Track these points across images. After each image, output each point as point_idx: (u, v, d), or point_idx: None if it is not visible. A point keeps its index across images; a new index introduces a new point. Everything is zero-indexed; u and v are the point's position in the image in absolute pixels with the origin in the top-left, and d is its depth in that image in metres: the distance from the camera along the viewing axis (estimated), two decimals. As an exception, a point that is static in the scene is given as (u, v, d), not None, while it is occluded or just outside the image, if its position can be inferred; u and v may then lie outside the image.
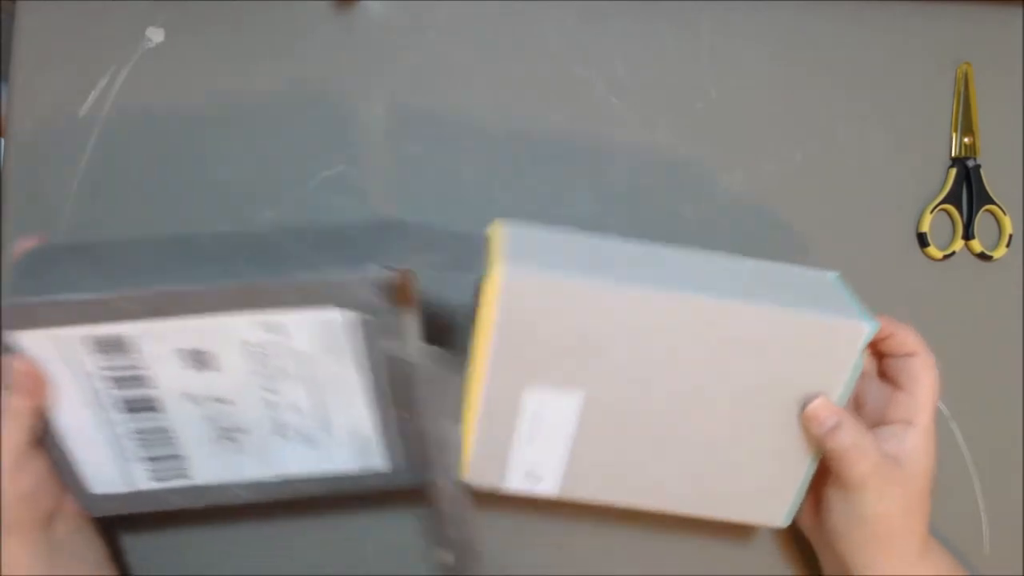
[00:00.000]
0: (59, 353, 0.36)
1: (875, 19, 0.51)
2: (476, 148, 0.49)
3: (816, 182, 0.50)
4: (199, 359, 0.37)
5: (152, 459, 0.39)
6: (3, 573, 0.39)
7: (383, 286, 0.35)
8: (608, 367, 0.37)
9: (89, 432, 0.38)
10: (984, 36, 0.52)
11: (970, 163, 0.51)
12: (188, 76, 0.47)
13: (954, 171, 0.51)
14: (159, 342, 0.36)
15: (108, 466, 0.39)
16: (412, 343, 0.37)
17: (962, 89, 0.52)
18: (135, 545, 0.46)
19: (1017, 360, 0.52)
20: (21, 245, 0.39)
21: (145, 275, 0.37)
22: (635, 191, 0.49)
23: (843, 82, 0.51)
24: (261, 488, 0.41)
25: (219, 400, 0.38)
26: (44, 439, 0.38)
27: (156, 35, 0.47)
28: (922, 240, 0.51)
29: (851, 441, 0.39)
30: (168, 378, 0.37)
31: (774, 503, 0.41)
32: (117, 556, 0.45)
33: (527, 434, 0.38)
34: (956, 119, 0.52)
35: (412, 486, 0.41)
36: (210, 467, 0.40)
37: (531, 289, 0.35)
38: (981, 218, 0.51)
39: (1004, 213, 0.51)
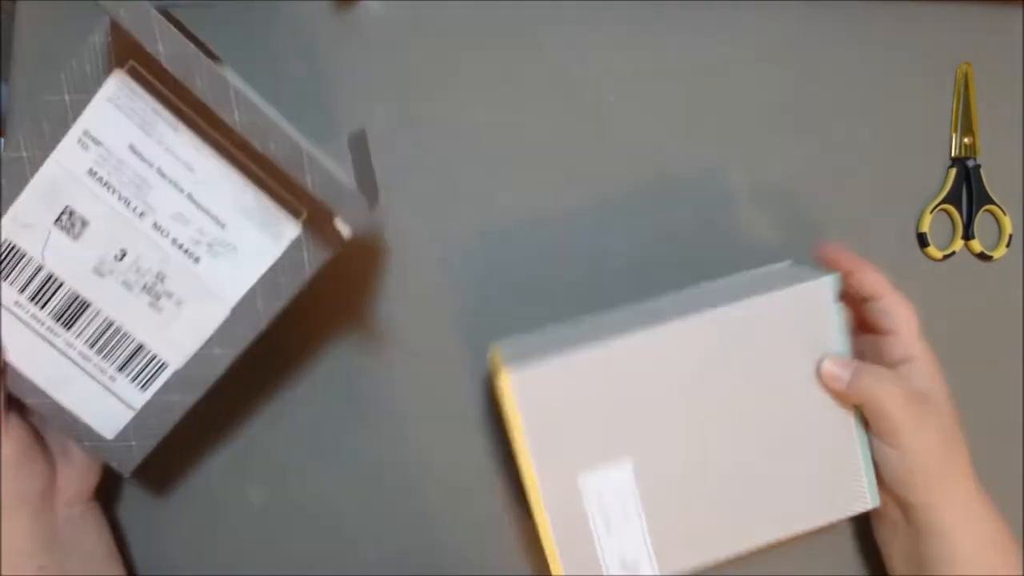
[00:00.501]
0: None
1: (875, 19, 0.51)
2: (476, 148, 0.49)
3: (816, 182, 0.50)
4: (71, 223, 0.37)
5: (123, 367, 0.39)
6: (4, 550, 0.38)
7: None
8: (638, 425, 0.39)
9: (57, 372, 0.38)
10: (984, 36, 0.52)
11: (970, 163, 0.51)
12: (188, 76, 0.47)
13: (954, 171, 0.51)
14: (32, 228, 0.36)
15: (99, 400, 0.39)
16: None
17: (962, 89, 0.52)
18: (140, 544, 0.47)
19: (1017, 360, 0.52)
20: None
21: None
22: (635, 191, 0.49)
23: (843, 82, 0.51)
24: (230, 334, 0.39)
25: (116, 257, 0.37)
26: (36, 413, 0.39)
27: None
28: (922, 240, 0.51)
29: (872, 383, 0.40)
30: (65, 263, 0.37)
31: (854, 486, 0.41)
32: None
33: (602, 520, 0.39)
34: (956, 119, 0.52)
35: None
36: (172, 342, 0.39)
37: (537, 377, 0.38)
38: (981, 218, 0.51)
39: (1004, 213, 0.51)
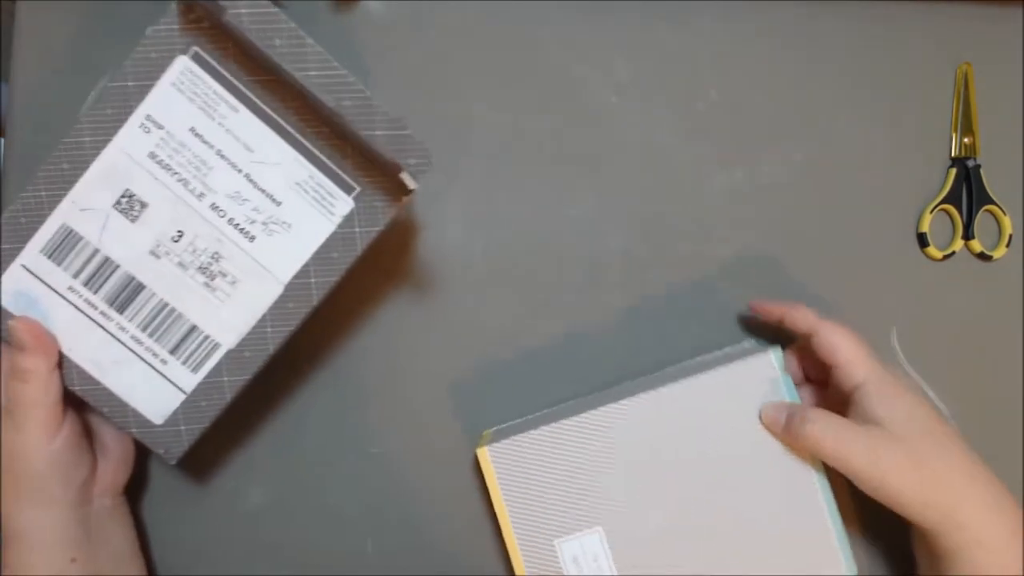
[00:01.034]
0: (33, 284, 0.37)
1: (875, 19, 0.51)
2: (476, 148, 0.49)
3: (816, 182, 0.50)
4: (130, 205, 0.37)
5: (175, 349, 0.39)
6: (34, 542, 0.39)
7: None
8: (607, 493, 0.43)
9: (107, 357, 0.39)
10: (984, 36, 0.52)
11: (970, 163, 0.51)
12: (188, 76, 0.47)
13: (954, 171, 0.51)
14: (91, 212, 0.37)
15: (149, 384, 0.39)
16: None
17: (962, 89, 0.52)
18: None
19: (1017, 360, 0.52)
20: None
21: None
22: (635, 191, 0.49)
23: (843, 82, 0.51)
24: (282, 312, 0.39)
25: (172, 238, 0.38)
26: (85, 401, 0.39)
27: (156, 35, 0.47)
28: (922, 240, 0.51)
29: (801, 425, 0.40)
30: (121, 246, 0.38)
31: (825, 549, 0.43)
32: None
33: None
34: (956, 119, 0.52)
35: (392, 181, 0.38)
36: (225, 322, 0.39)
37: (511, 450, 0.43)
38: (981, 218, 0.51)
39: (1004, 213, 0.51)
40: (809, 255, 0.50)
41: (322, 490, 0.48)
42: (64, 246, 0.38)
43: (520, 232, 0.49)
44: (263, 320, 0.39)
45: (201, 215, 0.38)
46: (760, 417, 0.43)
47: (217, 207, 0.38)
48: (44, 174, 0.37)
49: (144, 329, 0.39)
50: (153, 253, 0.38)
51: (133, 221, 0.38)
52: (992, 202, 0.51)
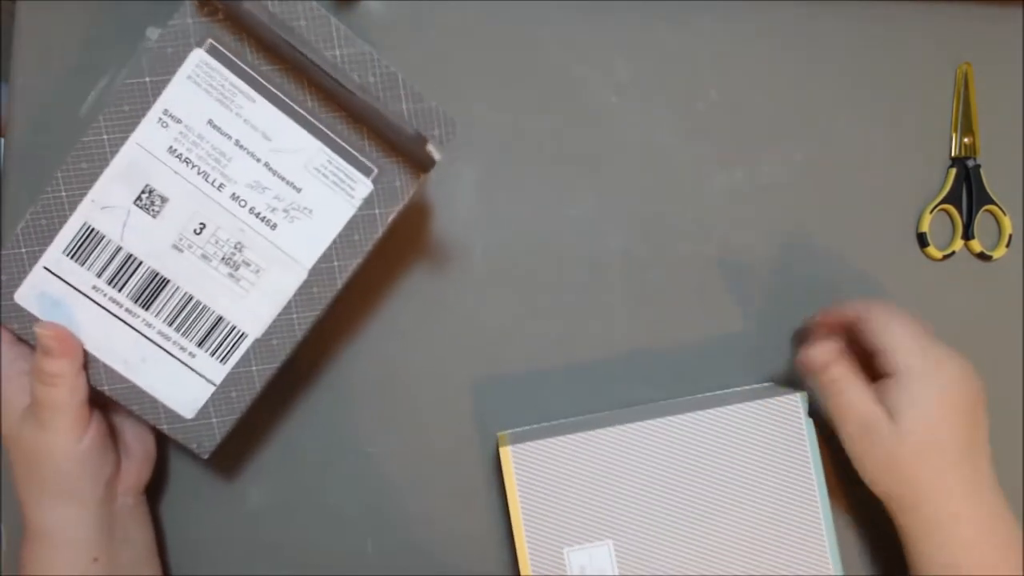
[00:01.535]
0: (56, 285, 0.37)
1: (875, 19, 0.51)
2: (476, 148, 0.49)
3: (816, 182, 0.50)
4: (150, 201, 0.37)
5: (202, 341, 0.39)
6: (58, 540, 0.39)
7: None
8: (621, 509, 0.43)
9: (135, 354, 0.39)
10: (984, 36, 0.52)
11: (970, 163, 0.51)
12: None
13: (954, 171, 0.51)
14: (112, 210, 0.37)
15: (178, 379, 0.39)
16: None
17: (962, 89, 0.52)
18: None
19: (1017, 360, 0.52)
20: None
21: None
22: (635, 191, 0.49)
23: (843, 82, 0.51)
24: (307, 297, 0.39)
25: (195, 231, 0.38)
26: (113, 400, 0.39)
27: (156, 35, 0.47)
28: (922, 240, 0.51)
29: (835, 383, 0.42)
30: (144, 241, 0.38)
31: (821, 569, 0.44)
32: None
33: None
34: (956, 119, 0.52)
35: (415, 158, 0.38)
36: (251, 311, 0.39)
37: (533, 453, 0.43)
38: (981, 218, 0.51)
39: (1004, 213, 0.51)
40: (809, 255, 0.50)
41: (322, 490, 0.48)
42: (86, 245, 0.38)
43: (520, 232, 0.49)
44: (289, 307, 0.39)
45: (222, 206, 0.38)
46: (801, 358, 0.43)
47: (238, 197, 0.38)
48: (63, 174, 0.37)
49: (170, 324, 0.39)
50: (176, 247, 0.38)
51: (154, 216, 0.38)
52: (992, 202, 0.51)
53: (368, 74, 0.36)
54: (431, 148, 0.37)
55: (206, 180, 0.38)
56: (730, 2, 0.50)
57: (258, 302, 0.39)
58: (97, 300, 0.38)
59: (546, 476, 0.43)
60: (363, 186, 0.38)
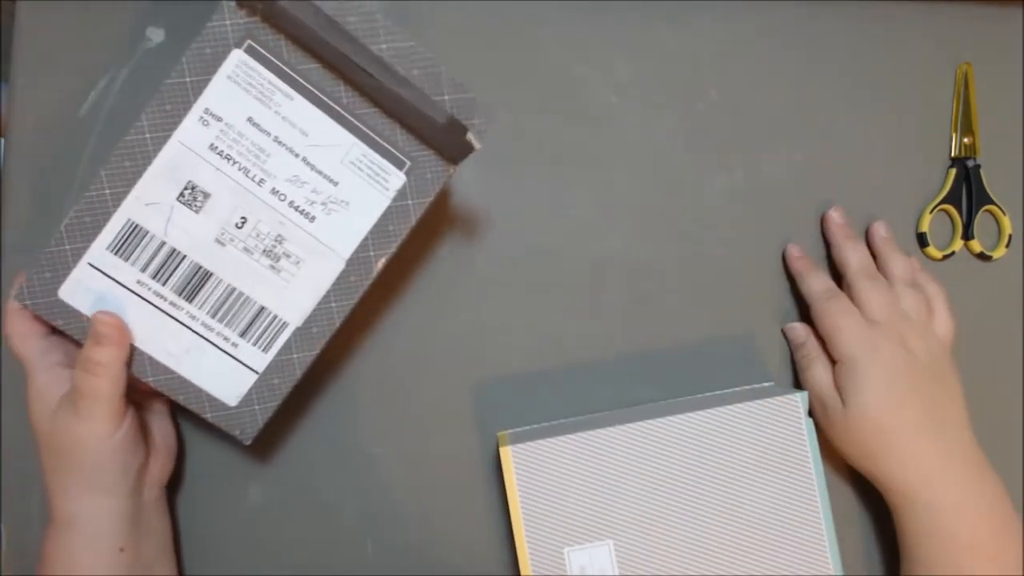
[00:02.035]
0: (101, 281, 0.38)
1: (875, 19, 0.51)
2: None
3: (816, 182, 0.50)
4: (193, 196, 0.38)
5: (245, 331, 0.40)
6: (87, 529, 0.39)
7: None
8: (621, 509, 0.43)
9: (179, 346, 0.40)
10: (984, 36, 0.52)
11: (970, 163, 0.51)
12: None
13: (954, 171, 0.51)
14: (156, 206, 0.38)
15: (221, 368, 0.40)
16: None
17: (962, 89, 0.52)
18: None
19: (1017, 360, 0.52)
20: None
21: None
22: (635, 191, 0.49)
23: (843, 82, 0.51)
24: (345, 286, 0.40)
25: (236, 225, 0.39)
26: (157, 390, 0.40)
27: (156, 35, 0.47)
28: (922, 240, 0.51)
29: (810, 371, 0.47)
30: (187, 236, 0.39)
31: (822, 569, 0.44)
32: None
33: None
34: (956, 119, 0.52)
35: (450, 150, 0.39)
36: (291, 300, 0.40)
37: (533, 452, 0.43)
38: (981, 218, 0.51)
39: (1004, 213, 0.51)
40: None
41: (322, 490, 0.48)
42: (131, 241, 0.39)
43: (520, 232, 0.49)
44: (328, 296, 0.40)
45: (263, 200, 0.39)
46: (784, 331, 0.49)
47: (277, 191, 0.39)
48: (106, 173, 0.38)
49: (214, 315, 0.40)
50: (218, 241, 0.39)
51: (197, 212, 0.39)
52: (992, 202, 0.51)
53: (412, 68, 0.37)
54: (471, 137, 0.38)
55: (247, 175, 0.39)
56: (730, 2, 0.50)
57: (298, 292, 0.40)
58: (141, 294, 0.39)
59: (546, 476, 0.43)
60: (396, 178, 0.40)
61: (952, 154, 0.52)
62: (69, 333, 0.39)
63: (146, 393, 0.43)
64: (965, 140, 0.51)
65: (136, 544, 0.41)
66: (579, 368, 0.49)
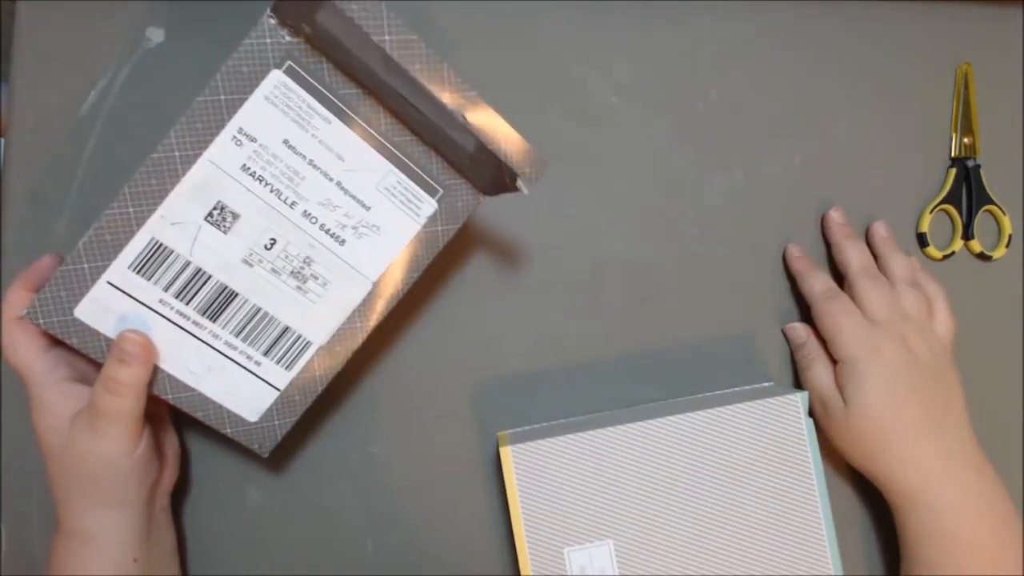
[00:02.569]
0: (121, 300, 0.37)
1: (875, 19, 0.51)
2: (476, 148, 0.49)
3: (816, 182, 0.51)
4: (222, 217, 0.37)
5: (268, 350, 0.40)
6: (102, 541, 0.39)
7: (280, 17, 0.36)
8: (621, 509, 0.43)
9: (201, 364, 0.39)
10: (984, 36, 0.52)
11: (970, 163, 0.51)
12: (188, 76, 0.47)
13: (954, 171, 0.51)
14: (182, 226, 0.37)
15: (243, 385, 0.40)
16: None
17: (962, 89, 0.52)
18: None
19: (1017, 360, 0.52)
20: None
21: None
22: (635, 191, 0.49)
23: (843, 82, 0.51)
24: (370, 307, 0.40)
25: (265, 247, 0.38)
26: (177, 407, 0.39)
27: (156, 35, 0.47)
28: (922, 240, 0.51)
29: (811, 371, 0.48)
30: (213, 257, 0.38)
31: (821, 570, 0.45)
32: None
33: None
34: (956, 119, 0.52)
35: (482, 184, 0.40)
36: (316, 320, 0.40)
37: (533, 453, 0.43)
38: (981, 218, 0.51)
39: (1004, 213, 0.51)
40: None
41: (322, 490, 0.48)
42: (154, 260, 0.37)
43: (520, 232, 0.49)
44: (353, 316, 0.40)
45: (293, 223, 0.38)
46: (785, 331, 0.50)
47: (309, 214, 0.38)
48: (131, 190, 0.36)
49: (237, 335, 0.39)
50: (246, 262, 0.38)
51: (225, 232, 0.38)
52: (992, 202, 0.51)
53: (470, 115, 0.37)
54: (520, 184, 0.38)
55: (279, 198, 0.38)
56: (730, 2, 0.50)
57: (324, 312, 0.40)
58: (163, 313, 0.38)
59: (546, 476, 0.43)
60: (428, 205, 0.39)
61: (952, 154, 0.52)
62: (85, 352, 0.38)
63: (153, 402, 0.42)
64: (965, 140, 0.51)
65: (148, 553, 0.41)
66: (579, 368, 0.49)
